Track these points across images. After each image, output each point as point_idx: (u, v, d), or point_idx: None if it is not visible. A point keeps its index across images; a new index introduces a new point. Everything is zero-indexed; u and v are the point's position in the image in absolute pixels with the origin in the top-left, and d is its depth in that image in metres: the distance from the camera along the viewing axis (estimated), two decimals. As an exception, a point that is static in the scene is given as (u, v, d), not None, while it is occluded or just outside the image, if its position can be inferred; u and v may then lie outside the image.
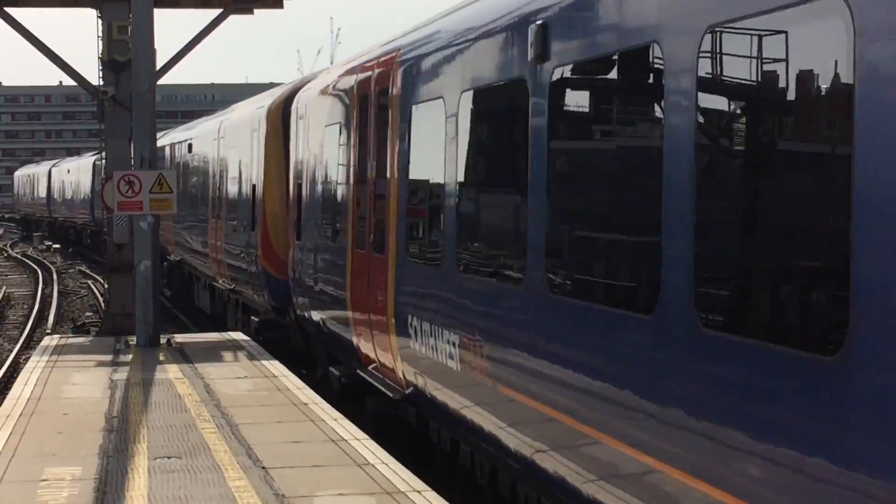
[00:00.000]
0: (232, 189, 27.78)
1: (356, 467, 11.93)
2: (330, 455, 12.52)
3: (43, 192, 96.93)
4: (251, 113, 25.96)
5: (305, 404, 15.49)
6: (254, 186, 24.70)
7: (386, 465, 12.00)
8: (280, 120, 23.19)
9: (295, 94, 22.14)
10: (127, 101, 23.02)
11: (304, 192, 20.12)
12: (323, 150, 18.78)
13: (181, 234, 36.39)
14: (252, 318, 25.30)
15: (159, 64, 23.22)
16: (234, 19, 25.41)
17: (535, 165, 9.94)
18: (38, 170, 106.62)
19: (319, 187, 19.02)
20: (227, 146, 28.77)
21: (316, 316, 19.08)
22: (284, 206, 22.56)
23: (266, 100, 25.11)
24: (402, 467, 11.91)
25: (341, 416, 14.68)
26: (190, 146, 35.12)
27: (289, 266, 21.37)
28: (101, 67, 24.50)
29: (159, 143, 40.73)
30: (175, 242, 37.79)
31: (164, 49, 24.52)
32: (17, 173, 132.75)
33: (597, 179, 9.23)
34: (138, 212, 20.95)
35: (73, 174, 78.39)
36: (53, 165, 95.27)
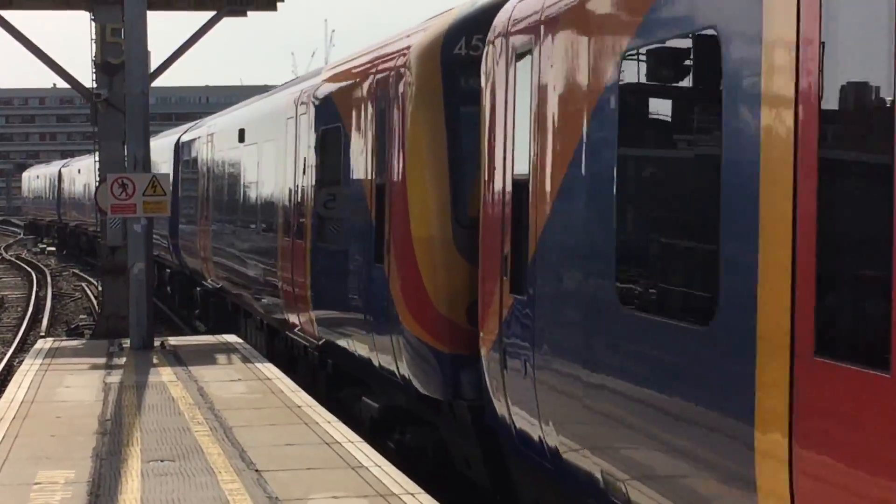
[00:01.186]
0: (326, 193, 17.88)
1: (350, 470, 11.93)
2: (323, 458, 12.51)
3: (52, 195, 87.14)
4: (368, 69, 15.68)
5: (299, 407, 15.47)
6: (378, 188, 14.84)
7: (379, 467, 11.99)
8: (440, 72, 13.37)
9: (468, 25, 13.23)
10: (120, 104, 23.01)
11: (538, 203, 10.14)
12: (630, 108, 8.65)
13: (225, 255, 26.99)
14: (365, 399, 15.70)
15: (153, 66, 23.24)
16: (227, 21, 25.42)
17: None
18: (47, 170, 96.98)
19: (611, 193, 8.79)
20: (315, 126, 18.40)
21: (579, 459, 9.37)
22: (449, 225, 13.05)
23: (399, 44, 14.73)
24: (396, 470, 11.90)
25: (335, 418, 14.67)
26: (242, 134, 25.12)
27: (485, 335, 11.54)
28: (94, 70, 24.53)
29: (189, 136, 34.27)
30: (215, 263, 28.47)
31: (157, 51, 23.54)
32: (24, 174, 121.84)
33: None
34: (132, 214, 20.94)
35: (84, 174, 65.85)
36: (63, 165, 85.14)
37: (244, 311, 25.48)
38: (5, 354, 28.90)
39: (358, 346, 15.73)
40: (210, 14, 25.18)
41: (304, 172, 19.15)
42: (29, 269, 57.44)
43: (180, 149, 35.34)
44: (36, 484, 11.46)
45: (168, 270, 39.63)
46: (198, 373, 18.49)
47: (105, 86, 24.26)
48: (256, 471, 11.91)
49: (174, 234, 35.03)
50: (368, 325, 15.05)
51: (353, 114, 16.19)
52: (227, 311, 27.86)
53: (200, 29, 25.15)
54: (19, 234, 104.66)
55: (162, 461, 12.37)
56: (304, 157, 19.02)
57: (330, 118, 17.54)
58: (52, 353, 20.98)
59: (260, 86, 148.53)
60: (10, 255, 71.01)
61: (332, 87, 17.73)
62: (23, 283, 51.77)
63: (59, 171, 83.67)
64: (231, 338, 23.18)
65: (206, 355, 20.55)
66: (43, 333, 32.33)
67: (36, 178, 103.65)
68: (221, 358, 20.36)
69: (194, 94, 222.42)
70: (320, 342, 17.78)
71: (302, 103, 19.43)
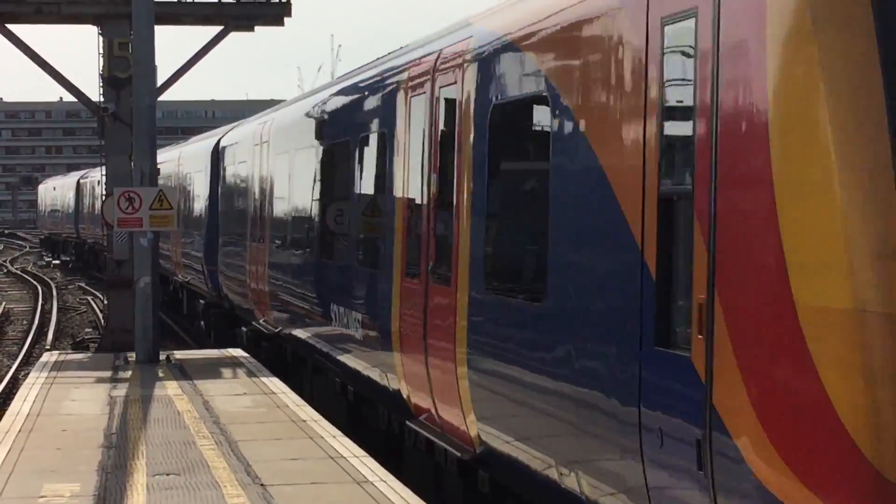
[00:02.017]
0: (507, 211, 11.28)
1: (355, 485, 11.92)
2: (329, 472, 12.51)
3: (69, 209, 79.57)
4: None
5: (304, 421, 15.47)
6: (666, 202, 7.80)
7: (384, 482, 11.98)
8: None
9: None
10: (127, 118, 23.08)
11: None
12: None
13: (290, 291, 20.37)
14: None
15: (160, 80, 23.28)
16: (234, 36, 25.47)
17: None
18: (64, 181, 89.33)
19: None
20: (482, 103, 11.29)
21: None
22: None
23: None
24: (402, 485, 11.90)
25: (340, 433, 14.67)
26: (320, 128, 18.38)
27: None
28: (101, 84, 24.59)
29: (233, 138, 27.91)
30: (272, 299, 21.80)
31: (164, 65, 23.29)
32: (41, 186, 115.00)
33: None
34: (138, 228, 20.97)
35: (103, 187, 57.99)
36: (82, 177, 76.57)
37: (313, 366, 19.32)
38: (11, 367, 28.92)
39: (589, 485, 8.86)
40: (217, 28, 25.23)
41: (451, 178, 11.97)
42: (35, 283, 57.47)
43: (220, 154, 29.50)
44: (41, 497, 11.47)
45: (202, 301, 32.00)
46: (203, 386, 18.48)
47: (112, 99, 24.31)
48: (261, 485, 11.91)
49: (211, 259, 29.29)
50: (635, 456, 8.02)
51: (586, 69, 9.06)
52: (287, 362, 21.60)
53: (208, 44, 25.20)
54: (25, 247, 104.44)
55: (167, 475, 12.38)
56: (455, 155, 11.87)
57: (520, 84, 10.63)
58: (58, 367, 20.98)
59: (266, 100, 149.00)
60: (17, 269, 71.05)
61: (525, 34, 10.47)
62: (28, 295, 51.82)
63: (78, 183, 75.85)
64: (237, 352, 23.16)
65: (211, 369, 20.54)
66: (48, 347, 32.34)
67: (53, 191, 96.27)
68: (227, 372, 20.36)
69: (200, 108, 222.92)
70: (478, 450, 11.35)
71: (445, 71, 12.39)
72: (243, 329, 24.99)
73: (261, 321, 23.15)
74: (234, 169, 26.94)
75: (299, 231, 20.09)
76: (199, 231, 31.53)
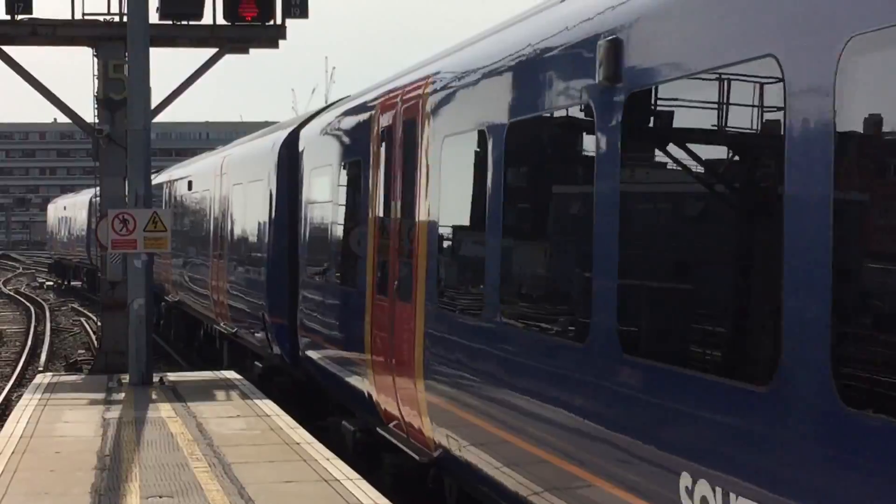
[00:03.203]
0: None
1: (349, 507, 11.91)
2: (322, 495, 12.50)
3: (81, 230, 69.97)
4: None
5: (298, 444, 15.46)
6: None
7: (378, 505, 11.98)
8: None
9: None
10: (122, 139, 23.10)
11: None
12: None
13: (514, 406, 10.09)
14: None
15: (154, 102, 23.31)
16: (228, 58, 25.50)
17: None
18: (74, 200, 79.46)
19: None
20: None
21: None
22: None
23: None
24: (395, 507, 11.90)
25: (334, 455, 14.66)
26: (615, 56, 8.14)
27: None
28: (96, 106, 24.62)
29: (325, 122, 18.72)
30: (451, 406, 11.83)
31: (159, 87, 22.70)
32: (50, 205, 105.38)
33: None
34: (132, 250, 20.97)
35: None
36: (95, 195, 62.42)
37: None
38: (4, 389, 28.85)
39: None
40: (212, 51, 25.28)
41: None
42: (28, 304, 57.39)
43: (298, 154, 20.59)
44: (34, 519, 11.46)
45: (258, 364, 23.56)
46: (197, 409, 18.46)
47: (107, 121, 24.35)
48: (255, 508, 11.89)
49: (278, 308, 21.21)
50: None
51: None
52: (441, 496, 12.87)
53: (203, 66, 25.24)
54: (18, 268, 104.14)
55: (161, 497, 12.36)
56: None
57: None
58: (51, 388, 20.95)
59: (260, 122, 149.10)
60: (10, 290, 70.94)
61: None
62: (21, 317, 51.73)
63: (90, 202, 62.91)
64: (230, 374, 23.14)
65: (204, 391, 20.51)
66: (41, 368, 32.28)
67: (63, 210, 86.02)
68: (220, 394, 20.34)
69: (195, 130, 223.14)
70: None
71: None
72: (349, 427, 16.31)
73: (391, 424, 14.21)
74: (331, 173, 17.66)
75: (521, 284, 10.61)
76: (256, 267, 23.16)
